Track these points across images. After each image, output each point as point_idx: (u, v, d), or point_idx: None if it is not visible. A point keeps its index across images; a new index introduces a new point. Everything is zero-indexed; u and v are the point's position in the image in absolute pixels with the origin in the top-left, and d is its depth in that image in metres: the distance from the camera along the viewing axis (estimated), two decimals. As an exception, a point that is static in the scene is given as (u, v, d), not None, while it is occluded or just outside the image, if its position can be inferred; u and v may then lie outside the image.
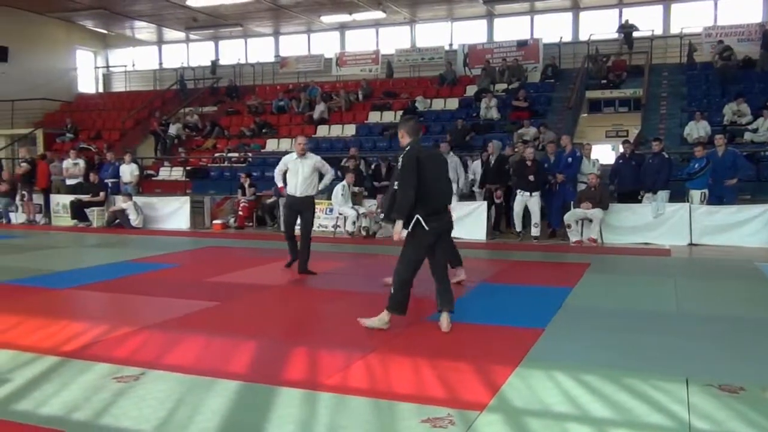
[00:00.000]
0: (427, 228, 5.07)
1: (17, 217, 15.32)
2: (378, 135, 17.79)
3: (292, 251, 8.14)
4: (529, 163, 11.05)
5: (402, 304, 5.21)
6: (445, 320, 5.18)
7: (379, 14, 21.57)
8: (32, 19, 22.97)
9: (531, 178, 10.95)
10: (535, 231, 11.19)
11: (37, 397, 3.62)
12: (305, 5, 21.18)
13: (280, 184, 8.09)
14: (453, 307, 5.23)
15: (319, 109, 19.34)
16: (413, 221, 5.09)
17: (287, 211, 8.11)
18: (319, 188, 8.15)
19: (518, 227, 11.35)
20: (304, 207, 7.91)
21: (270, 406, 3.49)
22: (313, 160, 7.93)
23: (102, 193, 14.44)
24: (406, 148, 5.22)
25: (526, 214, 11.23)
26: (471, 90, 18.91)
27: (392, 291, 5.20)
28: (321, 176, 8.06)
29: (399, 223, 5.13)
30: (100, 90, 27.26)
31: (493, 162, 11.95)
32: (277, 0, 20.73)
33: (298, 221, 8.04)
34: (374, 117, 19.06)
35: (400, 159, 5.22)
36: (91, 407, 3.48)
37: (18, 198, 15.18)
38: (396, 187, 5.20)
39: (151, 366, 4.17)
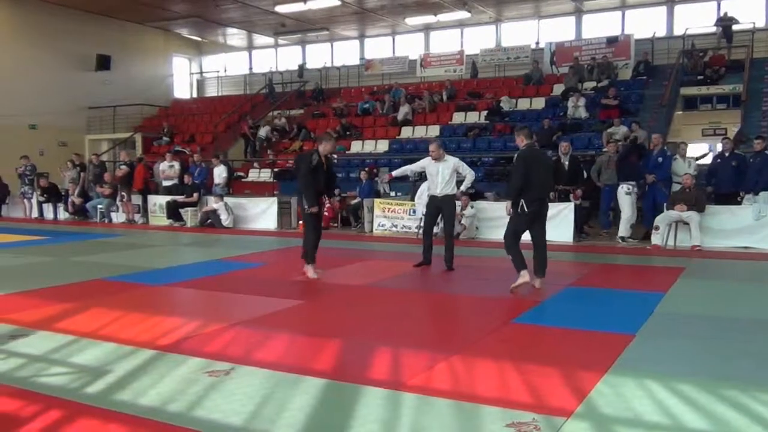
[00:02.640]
0: (526, 210, 6.72)
1: (118, 217, 16.19)
2: (462, 136, 17.67)
3: (426, 252, 8.44)
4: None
5: (521, 263, 6.68)
6: (537, 281, 6.79)
7: (463, 14, 21.43)
8: (133, 29, 24.26)
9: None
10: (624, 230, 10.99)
11: (135, 389, 3.80)
12: (390, 8, 21.33)
13: (394, 174, 8.89)
14: (545, 273, 6.90)
15: (404, 110, 19.40)
16: (519, 205, 6.75)
17: (429, 210, 8.55)
18: (462, 189, 8.82)
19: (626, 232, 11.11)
20: (444, 205, 8.33)
21: (353, 405, 3.53)
22: (452, 162, 8.35)
23: (195, 194, 15.04)
24: (521, 149, 6.90)
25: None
26: (558, 89, 18.50)
27: (511, 258, 6.79)
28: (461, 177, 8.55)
29: (508, 203, 6.91)
30: (194, 95, 28.42)
31: (568, 163, 11.56)
32: (363, 3, 20.97)
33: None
34: (458, 118, 18.95)
35: (515, 156, 6.92)
36: (185, 399, 3.62)
37: (118, 199, 16.03)
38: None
39: (240, 362, 4.30)
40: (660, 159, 11.07)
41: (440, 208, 8.36)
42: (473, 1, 20.35)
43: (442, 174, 8.22)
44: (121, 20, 23.33)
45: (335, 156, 18.11)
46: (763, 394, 3.62)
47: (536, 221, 6.88)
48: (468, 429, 3.22)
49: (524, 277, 6.62)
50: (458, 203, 12.05)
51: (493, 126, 17.58)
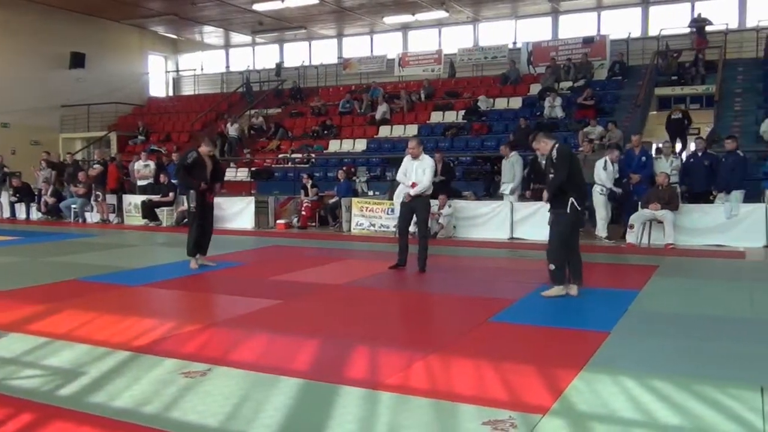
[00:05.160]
0: (578, 209, 6.41)
1: (92, 217, 15.99)
2: (440, 135, 17.73)
3: (402, 252, 8.23)
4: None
5: (563, 275, 6.44)
6: (574, 290, 6.44)
7: (441, 14, 21.51)
8: (107, 27, 23.97)
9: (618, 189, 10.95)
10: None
11: (109, 391, 3.75)
12: (368, 6, 21.33)
13: (407, 183, 8.15)
14: (581, 281, 6.53)
15: (381, 110, 19.41)
16: (569, 204, 6.34)
17: (402, 210, 8.31)
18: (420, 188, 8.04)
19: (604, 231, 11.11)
20: (418, 206, 8.09)
21: (331, 405, 3.52)
22: (428, 162, 8.08)
23: (171, 194, 14.90)
24: (556, 146, 6.47)
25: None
26: (535, 89, 18.64)
27: (553, 268, 6.40)
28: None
29: (545, 195, 6.59)
30: (170, 93, 28.17)
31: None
32: (341, 2, 20.95)
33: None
34: (436, 117, 19.01)
35: (555, 152, 6.42)
36: (160, 401, 3.59)
37: (93, 198, 15.83)
38: (552, 174, 6.46)
39: (217, 362, 4.27)
40: (643, 158, 11.20)
41: (414, 208, 8.11)
42: (451, 0, 20.41)
43: (417, 173, 7.98)
44: (95, 17, 23.04)
45: (314, 156, 18.16)
46: (736, 390, 3.68)
47: (578, 224, 6.69)
48: (445, 427, 3.23)
49: (560, 291, 6.42)
50: (435, 202, 12.11)
51: (471, 125, 17.66)
